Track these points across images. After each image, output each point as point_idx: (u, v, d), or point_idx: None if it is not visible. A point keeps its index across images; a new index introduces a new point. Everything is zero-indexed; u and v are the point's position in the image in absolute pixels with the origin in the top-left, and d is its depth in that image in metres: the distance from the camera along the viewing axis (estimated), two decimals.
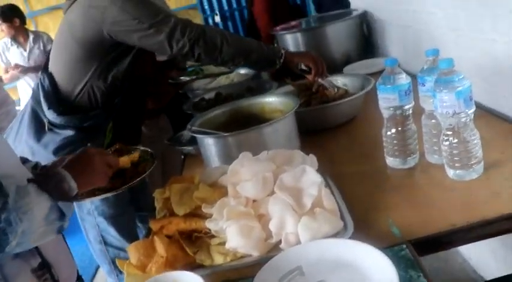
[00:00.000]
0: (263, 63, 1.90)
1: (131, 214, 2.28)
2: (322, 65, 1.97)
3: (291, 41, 2.88)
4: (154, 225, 1.27)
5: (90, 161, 1.26)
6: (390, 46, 2.69)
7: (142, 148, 1.60)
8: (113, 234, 2.13)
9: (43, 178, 1.13)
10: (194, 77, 2.37)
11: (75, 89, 1.90)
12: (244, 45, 1.84)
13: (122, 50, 1.88)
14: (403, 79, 1.32)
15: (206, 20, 5.81)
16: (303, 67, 1.97)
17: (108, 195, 1.40)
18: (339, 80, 2.11)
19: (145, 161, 1.55)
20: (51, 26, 6.50)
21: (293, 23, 3.18)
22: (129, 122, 2.08)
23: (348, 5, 3.30)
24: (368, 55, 2.93)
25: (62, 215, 1.09)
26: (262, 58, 1.87)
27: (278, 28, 3.09)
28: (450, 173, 1.27)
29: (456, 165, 1.24)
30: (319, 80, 1.98)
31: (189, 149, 1.97)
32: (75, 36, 1.83)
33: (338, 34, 2.81)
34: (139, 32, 1.75)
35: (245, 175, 1.22)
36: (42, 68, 2.02)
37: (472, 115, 1.20)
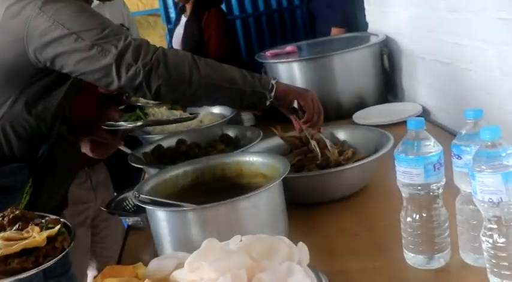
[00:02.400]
0: (248, 99, 1.86)
1: None
2: (319, 113, 1.95)
3: (284, 72, 2.93)
4: None
5: None
6: (420, 88, 2.74)
7: (52, 217, 1.57)
8: None
9: None
10: (139, 123, 2.31)
11: None
12: (222, 74, 1.81)
13: (53, 79, 1.85)
14: (432, 148, 1.33)
15: (171, 31, 5.84)
16: (295, 105, 1.96)
17: (16, 278, 1.35)
18: (344, 134, 2.14)
19: (63, 233, 1.53)
20: None
21: (289, 47, 3.22)
22: (56, 182, 2.05)
23: (363, 26, 3.37)
24: (388, 98, 2.98)
25: None
26: (247, 92, 1.84)
27: (268, 54, 3.14)
28: None
29: (503, 272, 1.23)
30: (308, 132, 2.00)
31: (134, 219, 1.95)
32: None
33: (348, 67, 2.88)
34: (77, 52, 1.71)
35: (209, 272, 1.21)
36: None
37: None
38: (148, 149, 2.34)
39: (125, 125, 2.27)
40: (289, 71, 2.90)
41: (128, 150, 2.38)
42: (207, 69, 1.78)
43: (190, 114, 2.55)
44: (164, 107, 2.46)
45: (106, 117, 2.34)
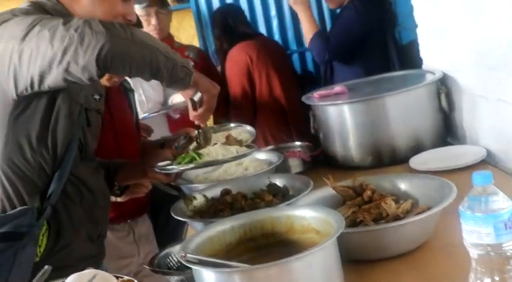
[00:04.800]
0: (178, 73, 1.92)
1: None
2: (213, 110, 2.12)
3: (334, 115, 2.95)
4: None
5: None
6: (483, 130, 2.70)
7: (126, 278, 1.58)
8: None
9: None
10: (190, 166, 2.28)
11: None
12: (155, 41, 1.91)
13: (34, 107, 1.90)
14: (501, 203, 1.31)
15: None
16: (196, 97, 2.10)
17: None
18: (402, 183, 2.12)
19: None
20: None
21: (337, 88, 3.23)
22: (76, 223, 2.07)
23: (417, 63, 3.36)
24: (447, 140, 2.95)
25: None
26: (177, 64, 1.90)
27: (316, 95, 3.14)
28: None
29: None
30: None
31: (179, 278, 1.95)
32: None
33: (403, 108, 2.87)
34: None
35: None
36: None
37: None
38: (191, 200, 2.36)
39: (176, 168, 2.27)
40: (340, 113, 2.91)
41: (174, 192, 2.40)
42: (141, 33, 1.88)
43: (247, 148, 2.48)
44: (218, 143, 2.42)
45: (160, 158, 2.36)
